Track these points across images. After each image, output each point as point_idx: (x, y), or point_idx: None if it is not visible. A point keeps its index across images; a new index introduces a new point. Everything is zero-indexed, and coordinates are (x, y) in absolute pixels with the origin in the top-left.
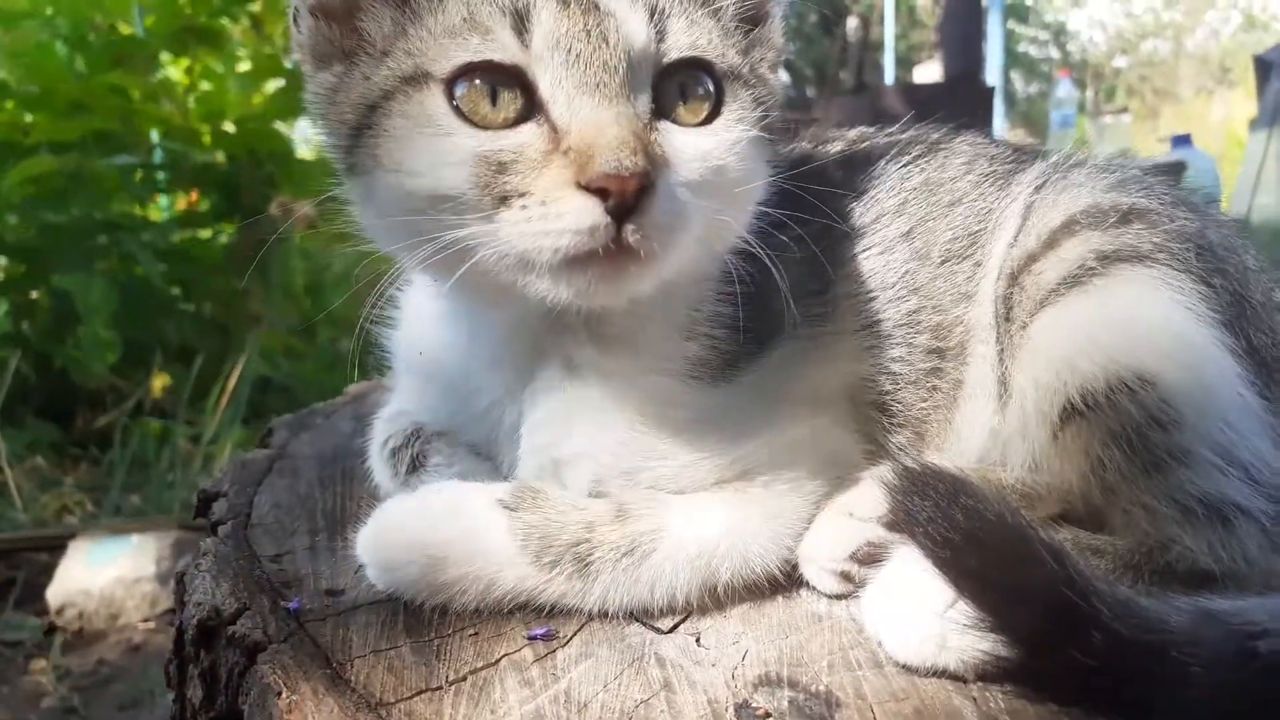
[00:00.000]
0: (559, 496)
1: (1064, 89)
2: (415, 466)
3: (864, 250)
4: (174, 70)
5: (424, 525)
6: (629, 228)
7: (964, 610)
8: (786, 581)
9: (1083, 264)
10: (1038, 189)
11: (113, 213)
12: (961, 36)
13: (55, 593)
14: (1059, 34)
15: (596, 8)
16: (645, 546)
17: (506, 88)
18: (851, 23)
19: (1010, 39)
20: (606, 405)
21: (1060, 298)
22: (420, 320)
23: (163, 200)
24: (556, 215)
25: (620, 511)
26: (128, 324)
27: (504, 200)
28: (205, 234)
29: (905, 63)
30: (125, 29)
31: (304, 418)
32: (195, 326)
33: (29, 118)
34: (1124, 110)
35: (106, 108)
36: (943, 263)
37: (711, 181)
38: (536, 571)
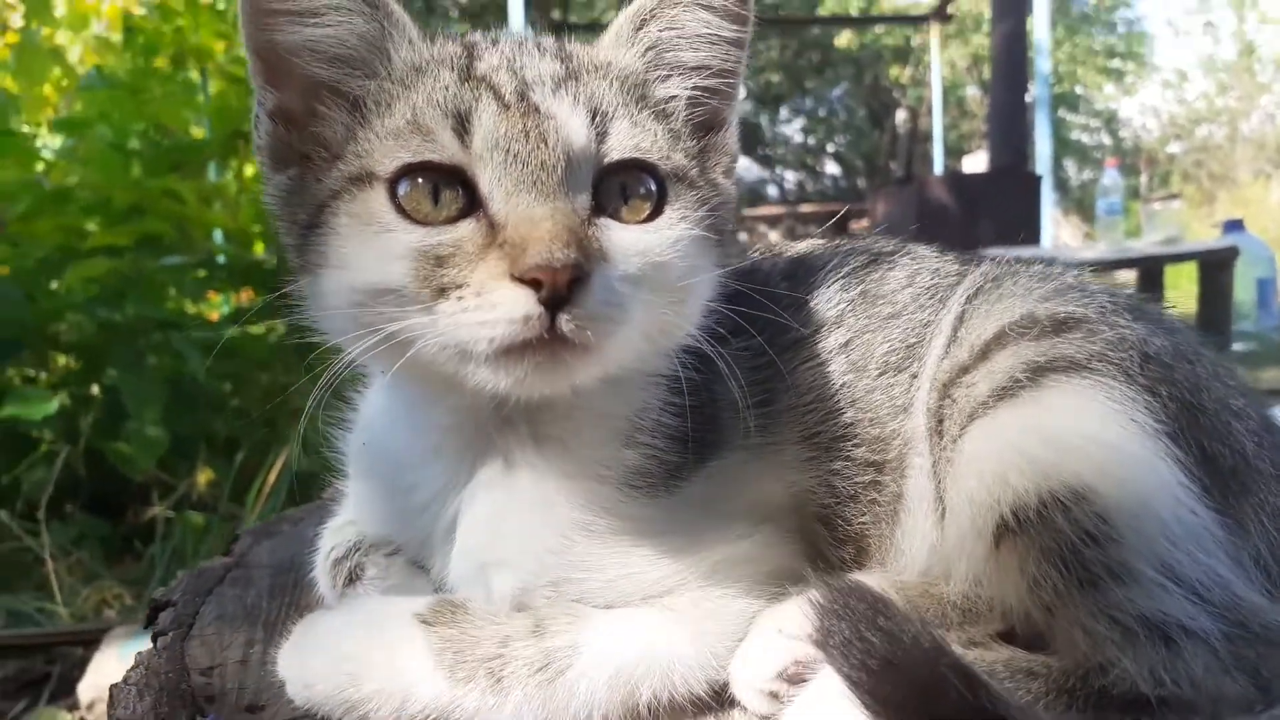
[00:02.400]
0: (478, 610)
1: (1110, 177)
2: (352, 579)
3: (804, 362)
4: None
5: (342, 640)
6: (563, 317)
7: None
8: (716, 702)
9: (1013, 375)
10: (971, 298)
11: (166, 311)
12: (1007, 128)
13: (87, 687)
14: (1110, 121)
15: (537, 110)
16: (560, 663)
17: (448, 186)
18: (900, 115)
19: (1061, 127)
20: (538, 510)
21: (991, 410)
22: (370, 415)
23: (221, 299)
24: (491, 305)
25: (538, 626)
26: (176, 419)
27: (442, 292)
28: (256, 330)
29: (955, 153)
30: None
31: (271, 525)
32: (240, 420)
33: (90, 223)
34: (1175, 196)
35: (162, 211)
36: (880, 375)
37: (652, 277)
38: (450, 687)
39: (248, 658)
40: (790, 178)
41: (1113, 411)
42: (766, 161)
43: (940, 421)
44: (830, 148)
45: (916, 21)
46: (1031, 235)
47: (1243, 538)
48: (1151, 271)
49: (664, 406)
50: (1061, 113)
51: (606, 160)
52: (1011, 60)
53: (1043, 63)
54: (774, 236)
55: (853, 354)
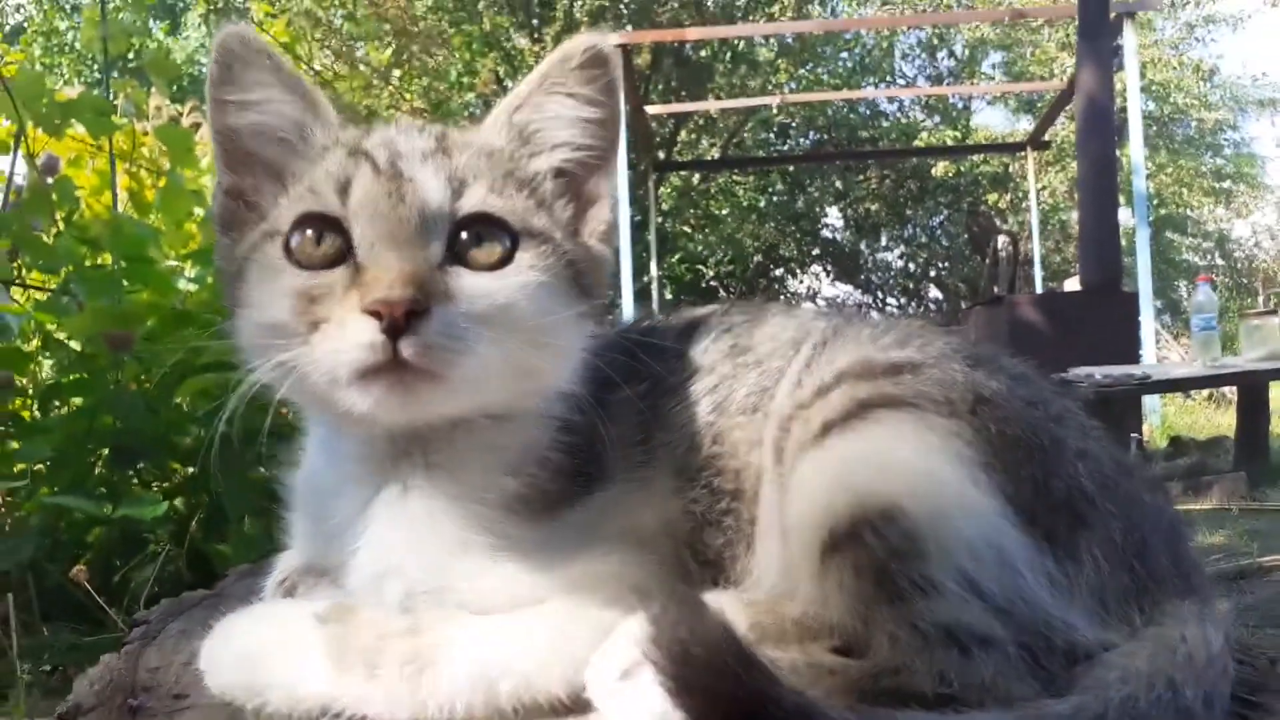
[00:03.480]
0: (366, 611)
1: (1203, 293)
2: (287, 596)
3: (678, 404)
4: None
5: (250, 636)
6: (402, 344)
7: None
8: (573, 704)
9: (844, 409)
10: (818, 346)
11: (269, 423)
12: (1098, 248)
13: None
14: (1222, 242)
15: (402, 175)
16: (427, 657)
17: (331, 233)
18: (1001, 240)
19: (1169, 248)
20: (426, 526)
21: (819, 440)
22: (308, 453)
23: None
24: (344, 335)
25: (413, 627)
26: (275, 522)
27: (315, 325)
28: None
29: (1059, 275)
30: None
31: (258, 566)
32: None
33: (207, 342)
34: (1273, 311)
35: None
36: (739, 414)
37: (497, 316)
38: (335, 677)
39: (193, 661)
40: (892, 303)
41: (932, 442)
42: (868, 288)
43: (780, 453)
44: (932, 273)
45: (1013, 150)
46: (1130, 354)
47: (1073, 566)
48: (1255, 387)
49: (552, 444)
50: (1170, 235)
51: (460, 215)
52: (1100, 184)
53: (1140, 184)
54: None
55: (718, 396)
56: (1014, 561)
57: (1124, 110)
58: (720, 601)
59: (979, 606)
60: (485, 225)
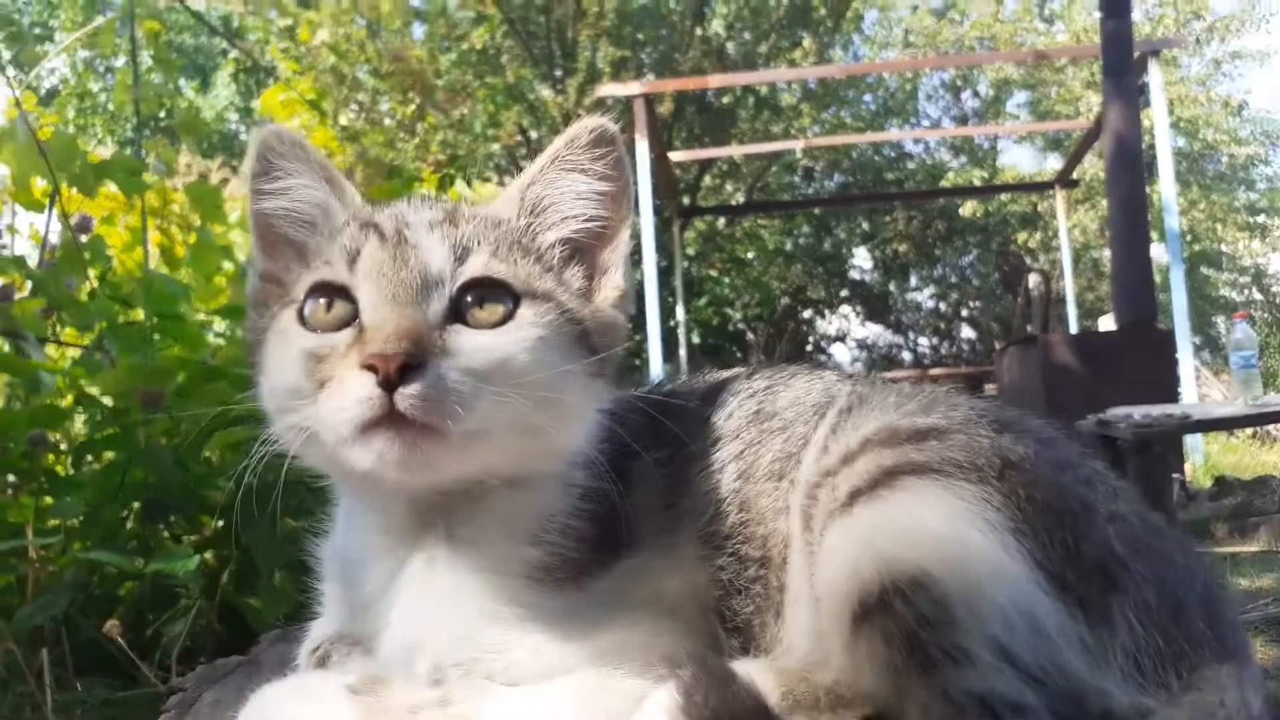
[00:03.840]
0: (398, 683)
1: (1241, 330)
2: (321, 664)
3: (703, 469)
4: None
5: (282, 708)
6: (397, 396)
7: None
8: None
9: (870, 477)
10: (844, 412)
11: (284, 478)
12: (1131, 286)
13: None
14: (1259, 277)
15: (406, 241)
16: None
17: (341, 299)
18: (1033, 279)
19: (1204, 284)
20: (453, 599)
21: (848, 509)
22: (338, 523)
23: None
24: (345, 391)
25: (444, 698)
26: (304, 578)
27: (321, 385)
28: None
29: (1092, 314)
30: None
31: (290, 632)
32: None
33: (237, 397)
34: None
35: None
36: (765, 480)
37: (496, 371)
38: None
39: None
40: (924, 343)
41: (960, 509)
42: (898, 328)
43: (808, 520)
44: (964, 312)
45: (1041, 188)
46: (1168, 393)
47: (1107, 629)
48: None
49: (574, 511)
50: (1205, 270)
51: (461, 279)
52: (1131, 220)
53: (1172, 220)
54: None
55: (743, 463)
56: (1046, 628)
57: (1153, 147)
58: (750, 670)
59: (1012, 675)
60: (488, 288)
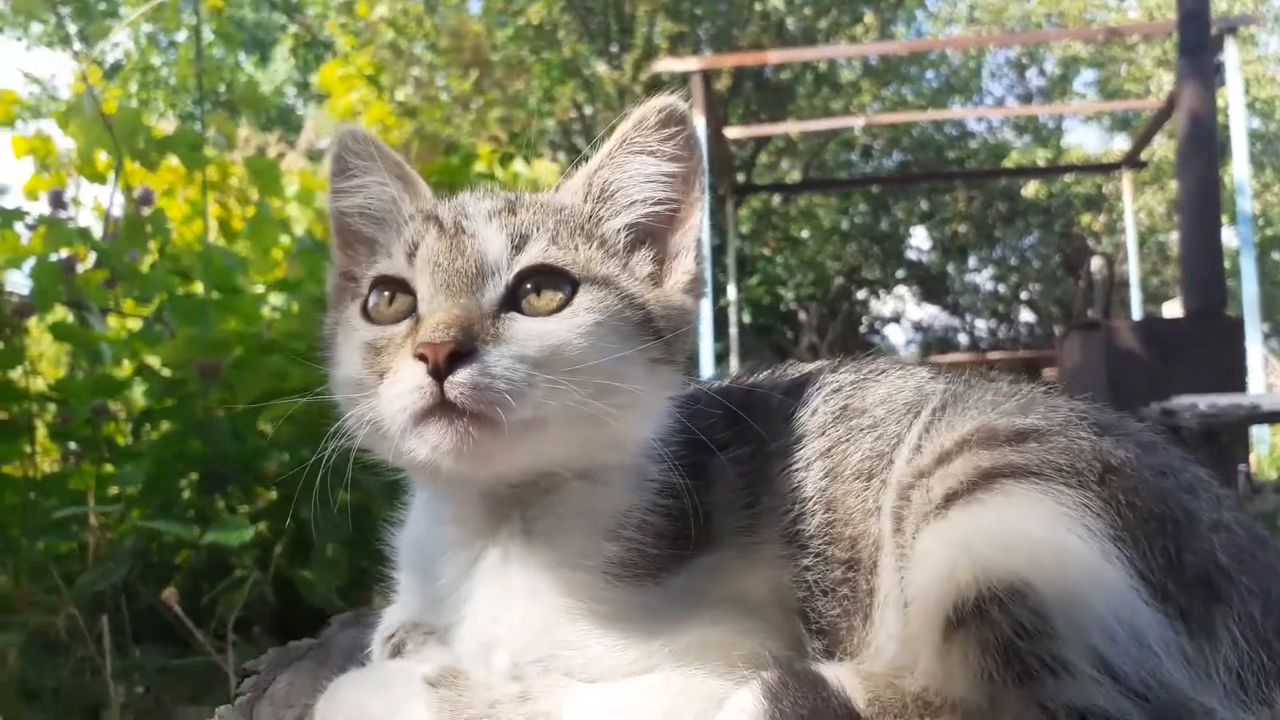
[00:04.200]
0: (476, 677)
1: None
2: (395, 653)
3: (787, 467)
4: None
5: (363, 695)
6: (447, 384)
7: None
8: None
9: (966, 479)
10: (938, 411)
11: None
12: (1201, 272)
13: None
14: None
15: (464, 232)
16: None
17: (401, 292)
18: (1096, 262)
19: (1276, 270)
20: (529, 595)
21: (943, 511)
22: (413, 513)
23: None
24: (399, 380)
25: (524, 693)
26: (357, 550)
27: (381, 377)
28: None
29: (1156, 298)
30: None
31: (359, 614)
32: None
33: (294, 370)
34: None
35: None
36: (854, 480)
37: (551, 358)
38: None
39: (305, 715)
40: (981, 325)
41: (1059, 514)
42: (956, 310)
43: (900, 522)
44: (1023, 295)
45: (1108, 170)
46: (1235, 381)
47: (1210, 642)
48: None
49: (652, 507)
50: (1276, 255)
51: (520, 266)
52: (1203, 203)
53: (1244, 204)
54: None
55: (831, 461)
56: (1148, 640)
57: (1227, 128)
58: (837, 674)
59: (1112, 688)
60: (545, 275)
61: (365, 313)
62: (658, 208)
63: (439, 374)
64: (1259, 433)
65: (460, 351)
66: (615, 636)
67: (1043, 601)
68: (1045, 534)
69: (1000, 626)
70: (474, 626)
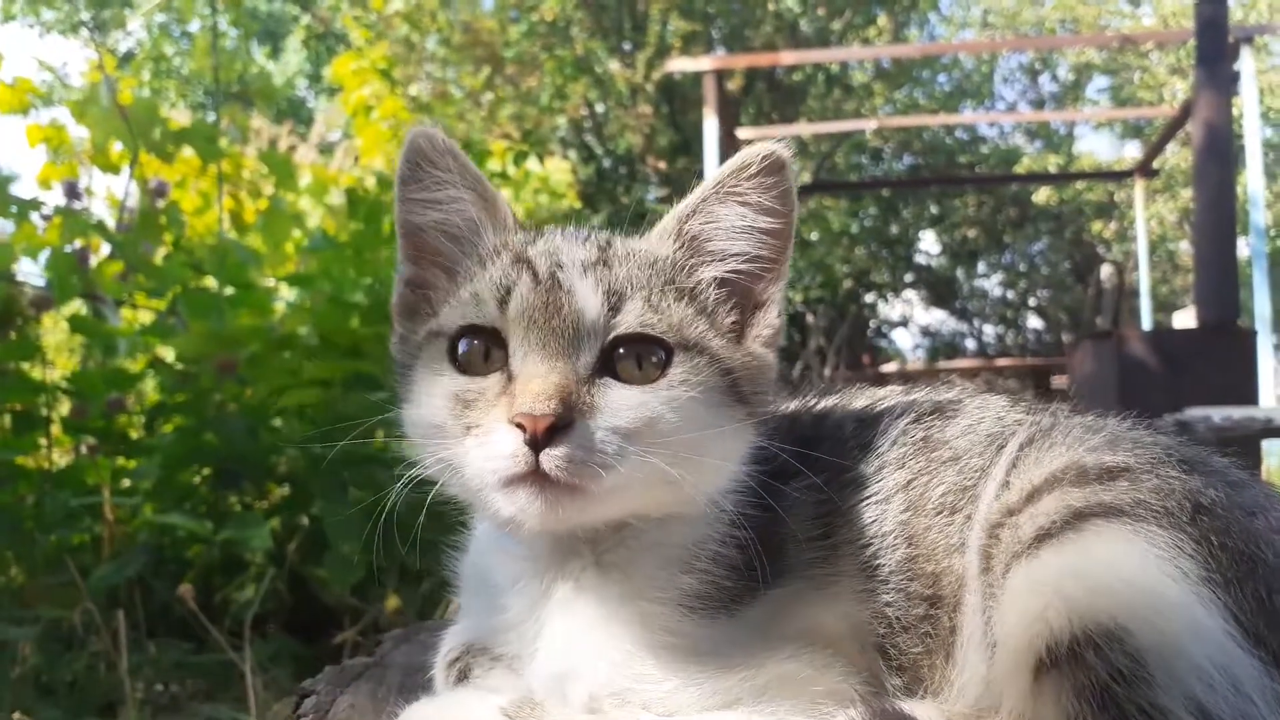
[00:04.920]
0: (553, 709)
1: None
2: (462, 677)
3: (864, 499)
4: None
5: None
6: (543, 457)
7: None
8: None
9: (1058, 519)
10: (1024, 446)
11: (370, 448)
12: (1215, 283)
13: None
14: None
15: (560, 285)
16: None
17: (491, 343)
18: (1106, 270)
19: None
20: (604, 627)
21: (1034, 551)
22: (476, 541)
23: None
24: (490, 442)
25: None
26: (372, 548)
27: (468, 430)
28: None
29: (1166, 307)
30: None
31: (411, 631)
32: (430, 551)
33: (309, 365)
34: None
35: (373, 354)
36: (936, 514)
37: (644, 430)
38: None
39: None
40: (989, 331)
41: (1152, 556)
42: (963, 315)
43: (988, 560)
44: (1032, 301)
45: (1120, 177)
46: (1247, 394)
47: None
48: None
49: (724, 539)
50: None
51: (614, 333)
52: (1218, 214)
53: (1258, 215)
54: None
55: (911, 494)
56: (1244, 687)
57: (1241, 137)
58: (927, 714)
59: None
60: (640, 343)
61: (452, 358)
62: (750, 265)
63: (537, 445)
64: (1268, 445)
65: (559, 425)
66: (693, 670)
67: (1140, 647)
68: (1140, 576)
69: (1096, 671)
70: (548, 657)
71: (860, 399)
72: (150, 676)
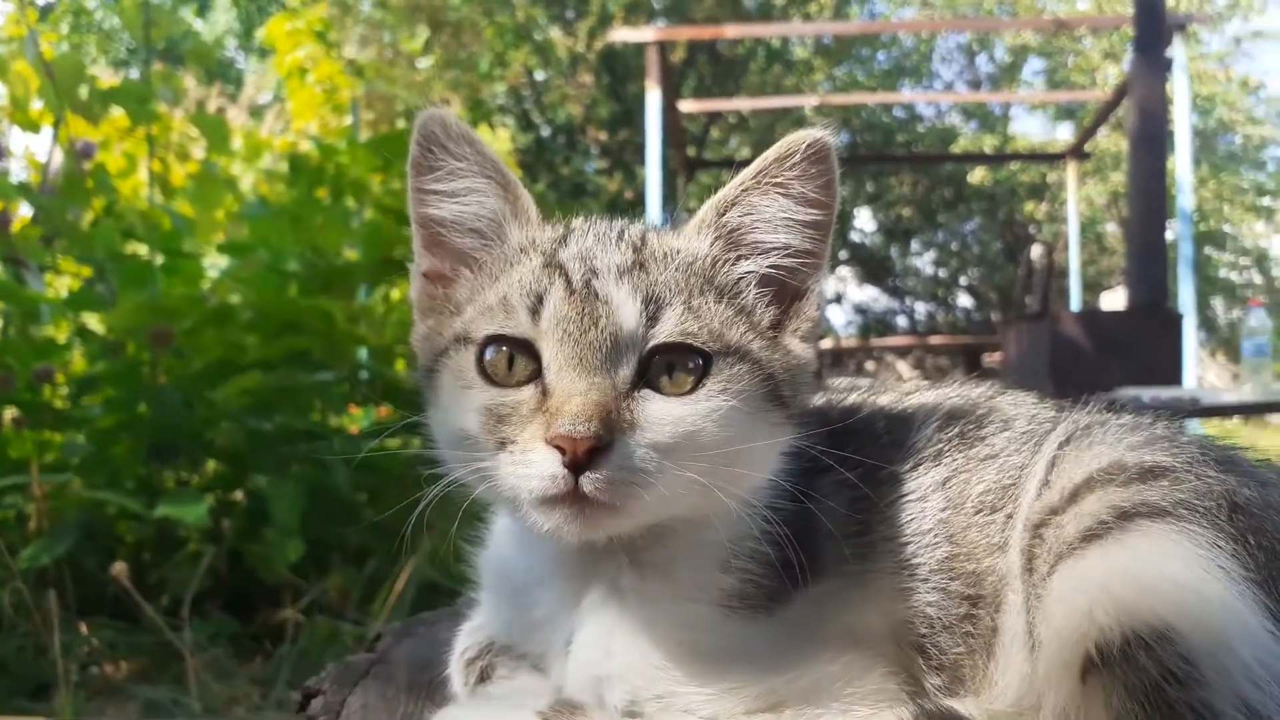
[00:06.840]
0: (596, 715)
1: (1256, 317)
2: (483, 678)
3: (902, 496)
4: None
5: None
6: (584, 479)
7: None
8: None
9: (1100, 518)
10: (1063, 444)
11: (310, 423)
12: (1145, 265)
13: None
14: (1261, 260)
15: (596, 295)
16: None
17: (522, 355)
18: (1036, 250)
19: (1207, 265)
20: (644, 630)
21: (1078, 551)
22: (496, 535)
23: (362, 413)
24: (528, 462)
25: None
26: (314, 526)
27: (502, 445)
28: (394, 444)
29: (1093, 288)
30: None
31: (409, 626)
32: (373, 531)
33: (249, 338)
34: None
35: (313, 328)
36: (976, 513)
37: (682, 445)
38: None
39: None
40: (921, 309)
41: (1196, 556)
42: (896, 293)
43: (1031, 560)
44: (963, 280)
45: (1053, 159)
46: (1173, 375)
47: None
48: None
49: (761, 536)
50: (1208, 250)
51: (653, 342)
52: (1150, 197)
53: (1185, 200)
54: (901, 366)
55: (950, 491)
56: None
57: (1171, 123)
58: (969, 711)
59: None
60: (679, 350)
61: (480, 367)
62: (791, 259)
63: (577, 468)
64: (1191, 423)
65: (599, 447)
66: (736, 672)
67: (1191, 647)
68: (1186, 576)
69: (1149, 672)
70: (583, 660)
71: (885, 395)
72: (84, 658)
